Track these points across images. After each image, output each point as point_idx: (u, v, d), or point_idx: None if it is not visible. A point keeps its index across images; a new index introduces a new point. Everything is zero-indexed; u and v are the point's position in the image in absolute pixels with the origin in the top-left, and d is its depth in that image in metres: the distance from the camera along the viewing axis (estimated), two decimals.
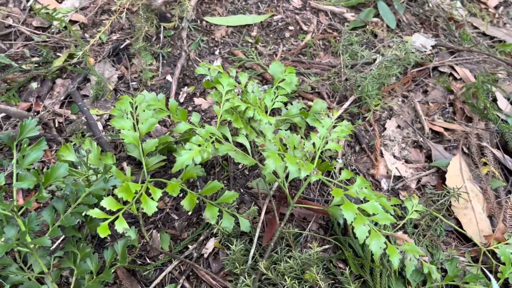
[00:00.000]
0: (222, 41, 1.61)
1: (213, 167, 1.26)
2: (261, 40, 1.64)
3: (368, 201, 0.97)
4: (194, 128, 1.02)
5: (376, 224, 1.06)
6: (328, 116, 1.17)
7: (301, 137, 1.04)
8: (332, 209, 1.04)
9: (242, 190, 1.22)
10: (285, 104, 1.25)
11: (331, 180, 1.04)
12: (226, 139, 1.05)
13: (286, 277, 0.97)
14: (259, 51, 1.59)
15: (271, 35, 1.67)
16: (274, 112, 1.37)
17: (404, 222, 1.06)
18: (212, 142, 0.98)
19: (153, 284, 1.04)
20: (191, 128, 1.04)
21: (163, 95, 1.08)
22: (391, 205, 0.98)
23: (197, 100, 1.40)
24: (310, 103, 1.42)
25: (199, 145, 0.95)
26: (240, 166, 1.27)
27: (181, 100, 1.41)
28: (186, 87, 1.45)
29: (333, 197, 1.21)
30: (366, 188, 1.00)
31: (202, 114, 1.37)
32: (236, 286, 1.01)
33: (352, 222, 0.91)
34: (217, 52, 1.57)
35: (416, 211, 1.06)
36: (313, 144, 1.08)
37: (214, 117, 1.36)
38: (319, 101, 1.25)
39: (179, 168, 0.91)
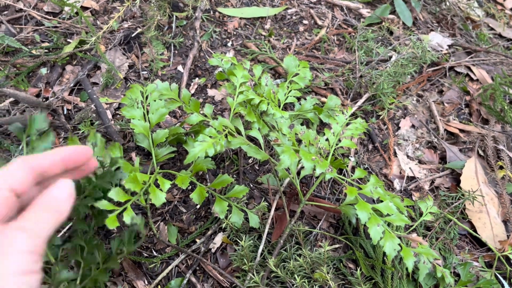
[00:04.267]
0: (234, 33, 1.58)
1: (222, 160, 1.23)
2: (275, 33, 1.61)
3: (382, 201, 0.94)
4: (207, 119, 0.99)
5: (388, 225, 1.04)
6: (342, 113, 1.14)
7: (317, 133, 1.01)
8: (345, 208, 1.01)
9: (251, 185, 1.20)
10: (298, 99, 1.22)
11: (344, 178, 1.02)
12: (239, 132, 1.02)
13: (295, 275, 0.95)
14: (272, 44, 1.56)
15: (285, 29, 1.64)
16: (286, 107, 1.35)
17: (417, 223, 1.03)
18: (225, 135, 0.95)
19: (159, 277, 1.03)
20: (203, 119, 1.01)
21: (176, 85, 1.06)
22: (405, 206, 0.96)
23: (210, 92, 1.37)
24: (323, 99, 1.39)
25: (212, 137, 0.92)
26: (250, 161, 1.25)
27: (192, 92, 1.39)
28: (197, 79, 1.42)
29: (345, 195, 1.19)
30: (379, 187, 0.97)
31: (214, 106, 1.35)
32: (244, 282, 0.99)
33: (366, 222, 0.88)
34: (229, 44, 1.54)
35: (430, 213, 1.03)
36: (327, 140, 1.06)
37: (226, 110, 1.33)
38: (333, 97, 1.22)
39: (192, 160, 0.89)
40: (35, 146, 0.95)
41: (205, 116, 1.03)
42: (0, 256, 0.49)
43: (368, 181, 0.99)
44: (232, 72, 1.08)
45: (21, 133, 0.97)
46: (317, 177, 1.22)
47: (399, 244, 0.87)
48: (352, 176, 1.03)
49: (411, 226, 1.10)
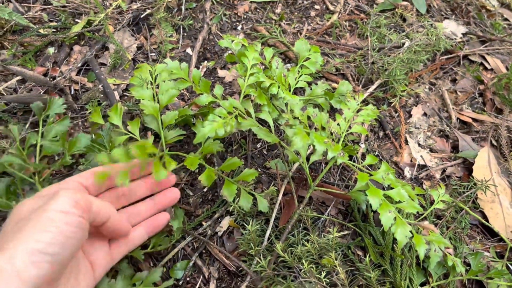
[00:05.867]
0: (245, 16, 1.55)
1: (230, 144, 1.22)
2: (285, 17, 1.58)
3: (393, 188, 0.92)
4: (217, 101, 0.97)
5: (399, 212, 1.02)
6: (354, 99, 1.12)
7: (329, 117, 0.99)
8: (355, 194, 0.99)
9: (259, 170, 1.18)
10: (309, 84, 1.20)
11: (355, 164, 1.00)
12: (249, 114, 1.00)
13: (303, 260, 0.94)
14: (283, 28, 1.53)
15: (296, 13, 1.61)
16: (296, 92, 1.32)
17: (429, 211, 1.01)
18: (235, 116, 0.93)
19: (165, 260, 1.01)
20: (213, 101, 0.99)
21: (186, 64, 1.04)
22: (415, 195, 0.94)
23: (221, 72, 1.35)
24: (334, 84, 1.37)
25: (222, 117, 0.90)
26: (258, 145, 1.23)
27: (201, 74, 1.37)
28: (206, 62, 1.40)
29: (354, 182, 1.17)
30: (391, 174, 0.95)
31: (223, 89, 1.32)
32: (250, 266, 0.98)
33: (377, 208, 0.86)
34: (239, 28, 1.51)
35: (442, 201, 1.01)
36: (338, 125, 1.04)
37: (235, 93, 1.31)
38: (345, 82, 1.19)
39: (201, 140, 0.87)
40: (50, 128, 0.96)
41: (215, 97, 1.01)
42: (50, 199, 0.65)
43: (379, 168, 0.97)
44: (243, 54, 1.05)
45: (40, 113, 0.98)
46: (326, 163, 1.20)
47: (410, 231, 0.85)
48: (362, 162, 1.01)
49: (422, 214, 1.08)
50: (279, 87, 1.01)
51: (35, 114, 0.99)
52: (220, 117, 0.90)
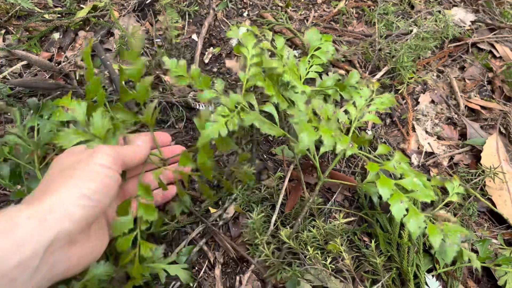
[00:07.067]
0: (250, 3, 1.53)
1: (235, 131, 1.20)
2: (292, 4, 1.56)
3: (404, 178, 0.89)
4: (218, 96, 0.94)
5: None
6: (368, 87, 1.09)
7: (335, 106, 0.97)
8: (367, 186, 0.97)
9: (265, 156, 1.17)
10: (319, 73, 1.18)
11: (362, 153, 0.98)
12: (252, 106, 0.98)
13: (308, 247, 0.93)
14: (290, 15, 1.51)
15: (302, 0, 1.59)
16: (305, 82, 1.31)
17: (442, 204, 0.98)
18: (238, 112, 0.90)
19: (177, 250, 1.01)
20: (215, 96, 0.96)
21: (183, 60, 0.99)
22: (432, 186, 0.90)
23: (228, 63, 1.33)
24: (341, 71, 1.35)
25: (225, 116, 0.87)
26: (264, 132, 1.22)
27: (206, 61, 1.36)
28: (211, 48, 1.39)
29: (361, 169, 1.16)
30: (403, 163, 0.92)
31: (229, 76, 1.31)
32: (257, 249, 0.97)
33: (388, 199, 0.83)
34: (245, 14, 1.50)
35: (457, 193, 0.97)
36: (348, 113, 1.02)
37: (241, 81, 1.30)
38: (355, 73, 1.15)
39: (205, 142, 0.84)
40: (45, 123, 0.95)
41: (217, 92, 0.97)
42: (92, 154, 0.72)
43: (387, 157, 0.94)
44: (241, 47, 1.01)
45: (36, 109, 0.97)
46: (332, 151, 1.18)
47: (424, 221, 0.81)
48: (371, 151, 0.99)
49: (433, 203, 1.06)
50: (291, 75, 0.99)
51: (32, 110, 0.98)
52: (223, 116, 0.87)
